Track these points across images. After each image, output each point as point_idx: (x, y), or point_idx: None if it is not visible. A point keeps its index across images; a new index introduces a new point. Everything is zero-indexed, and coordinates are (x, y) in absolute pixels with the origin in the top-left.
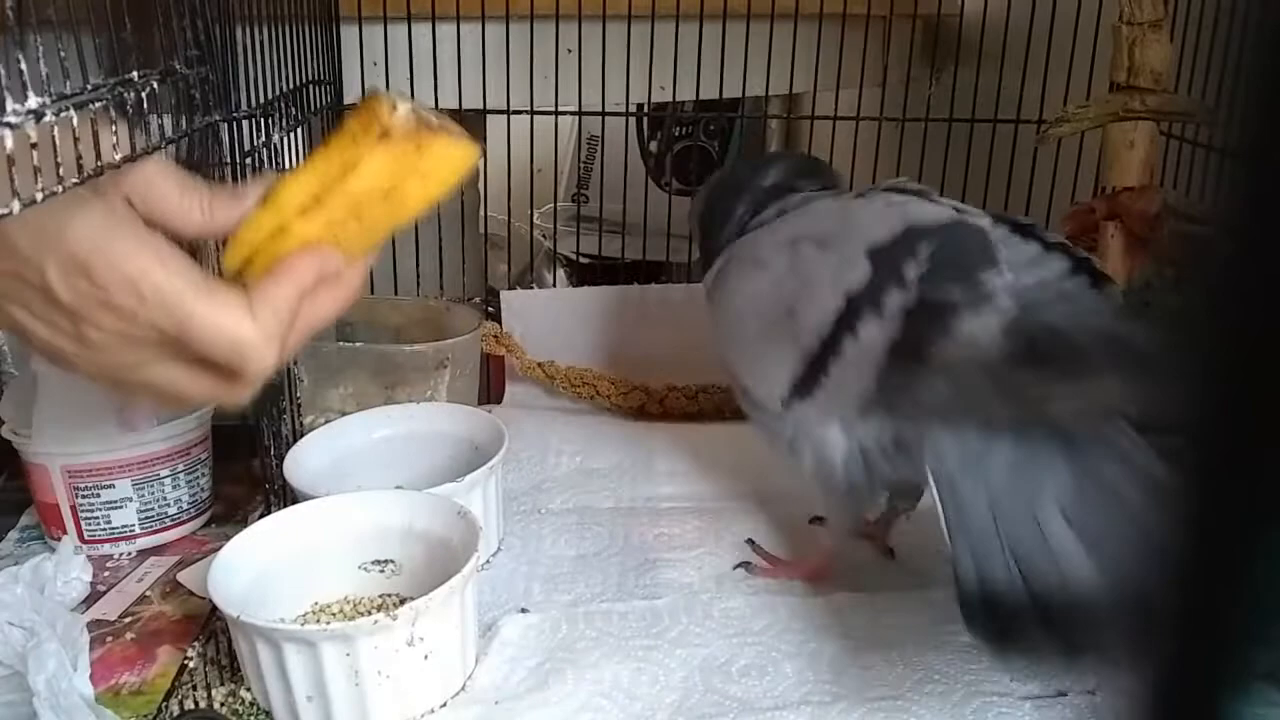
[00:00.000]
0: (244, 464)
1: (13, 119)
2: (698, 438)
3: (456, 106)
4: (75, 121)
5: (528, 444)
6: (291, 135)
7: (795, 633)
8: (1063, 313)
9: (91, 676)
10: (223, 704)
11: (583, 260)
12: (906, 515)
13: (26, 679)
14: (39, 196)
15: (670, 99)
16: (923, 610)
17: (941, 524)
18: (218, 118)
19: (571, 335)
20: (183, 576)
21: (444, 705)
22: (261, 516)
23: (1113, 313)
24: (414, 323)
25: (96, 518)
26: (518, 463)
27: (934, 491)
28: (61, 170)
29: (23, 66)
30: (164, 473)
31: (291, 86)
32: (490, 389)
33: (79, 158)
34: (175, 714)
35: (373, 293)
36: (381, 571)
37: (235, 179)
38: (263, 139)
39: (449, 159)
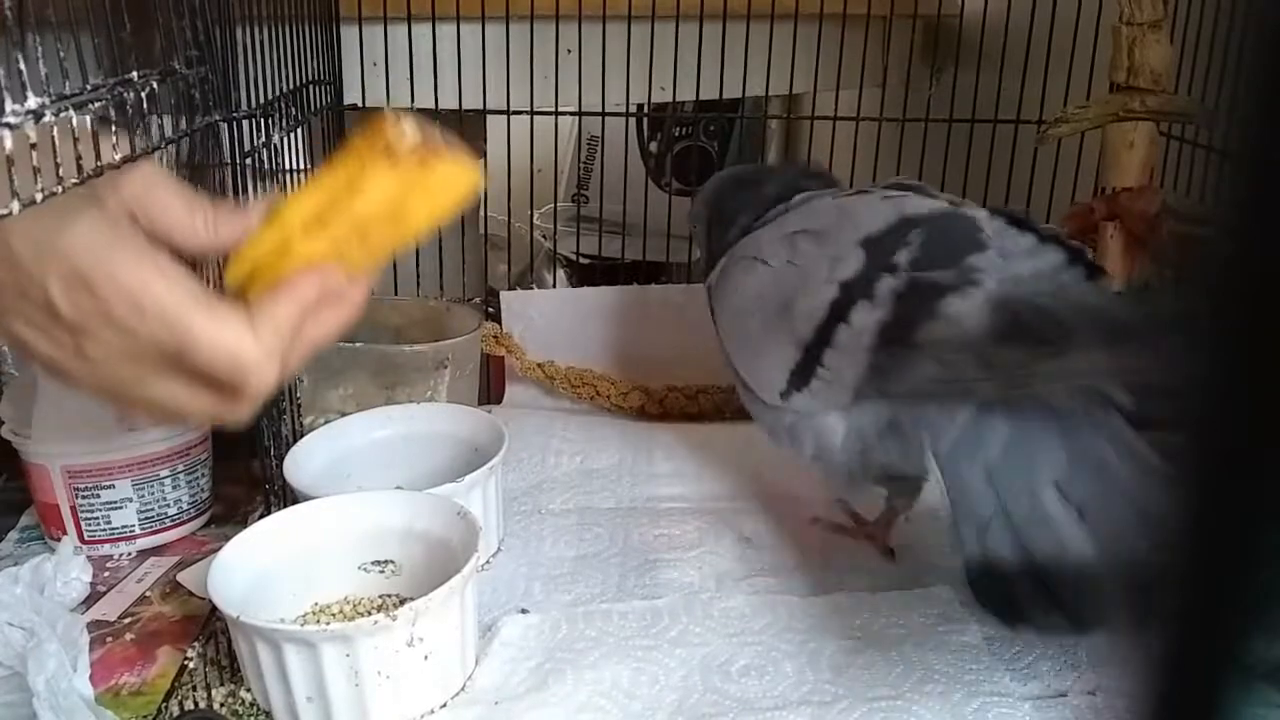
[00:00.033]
0: (244, 464)
1: (12, 119)
2: (698, 438)
3: (456, 106)
4: (75, 122)
5: (528, 444)
6: (291, 135)
7: (795, 632)
8: (1048, 292)
9: (91, 677)
10: (222, 704)
11: (583, 261)
12: (905, 517)
13: (26, 679)
14: (39, 197)
15: (670, 99)
16: (923, 610)
17: (944, 500)
18: (218, 118)
19: (571, 335)
20: (183, 577)
21: (444, 706)
22: (261, 517)
23: (1102, 295)
24: (414, 323)
25: (96, 518)
26: (518, 463)
27: (935, 470)
28: (61, 171)
29: (22, 67)
30: (164, 473)
31: (291, 87)
32: (490, 389)
33: (79, 158)
34: (175, 714)
35: (373, 293)
36: (381, 572)
37: (235, 179)
38: (263, 139)
39: (453, 180)
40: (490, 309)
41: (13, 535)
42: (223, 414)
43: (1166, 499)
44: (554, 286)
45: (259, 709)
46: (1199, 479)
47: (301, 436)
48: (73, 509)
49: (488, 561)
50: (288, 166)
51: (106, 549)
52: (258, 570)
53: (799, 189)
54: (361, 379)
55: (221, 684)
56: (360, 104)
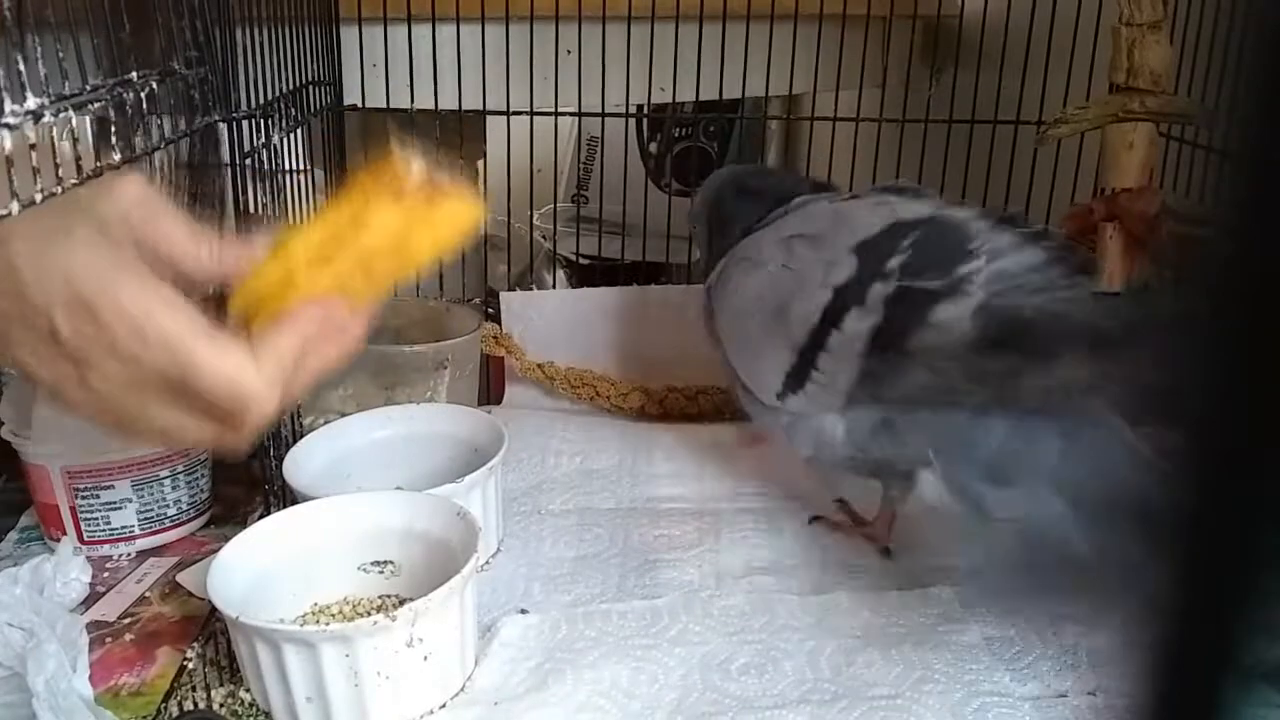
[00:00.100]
0: (243, 465)
1: (11, 120)
2: (698, 438)
3: (456, 107)
4: (74, 122)
5: (527, 445)
6: (291, 136)
7: (795, 631)
8: (1032, 299)
9: (91, 677)
10: (222, 705)
11: (583, 261)
12: (897, 510)
13: (26, 680)
14: (38, 197)
15: (670, 100)
16: (923, 610)
17: (943, 498)
18: (217, 118)
19: (571, 336)
20: (182, 577)
21: (443, 706)
22: (261, 517)
23: (1084, 299)
24: (414, 323)
25: (96, 519)
26: (517, 463)
27: (934, 465)
28: (61, 171)
29: (21, 67)
30: (163, 473)
31: (291, 87)
32: (490, 390)
33: (78, 159)
34: (175, 715)
35: None
36: (381, 572)
37: (235, 179)
38: (262, 140)
39: (456, 217)
40: (490, 309)
41: (12, 536)
42: (223, 442)
43: (1166, 498)
44: (554, 287)
45: (258, 709)
46: (1199, 479)
47: (301, 437)
48: (72, 509)
49: (487, 562)
50: (287, 167)
51: (106, 549)
52: (257, 571)
53: (798, 191)
54: (361, 379)
55: (221, 684)
56: (360, 105)
